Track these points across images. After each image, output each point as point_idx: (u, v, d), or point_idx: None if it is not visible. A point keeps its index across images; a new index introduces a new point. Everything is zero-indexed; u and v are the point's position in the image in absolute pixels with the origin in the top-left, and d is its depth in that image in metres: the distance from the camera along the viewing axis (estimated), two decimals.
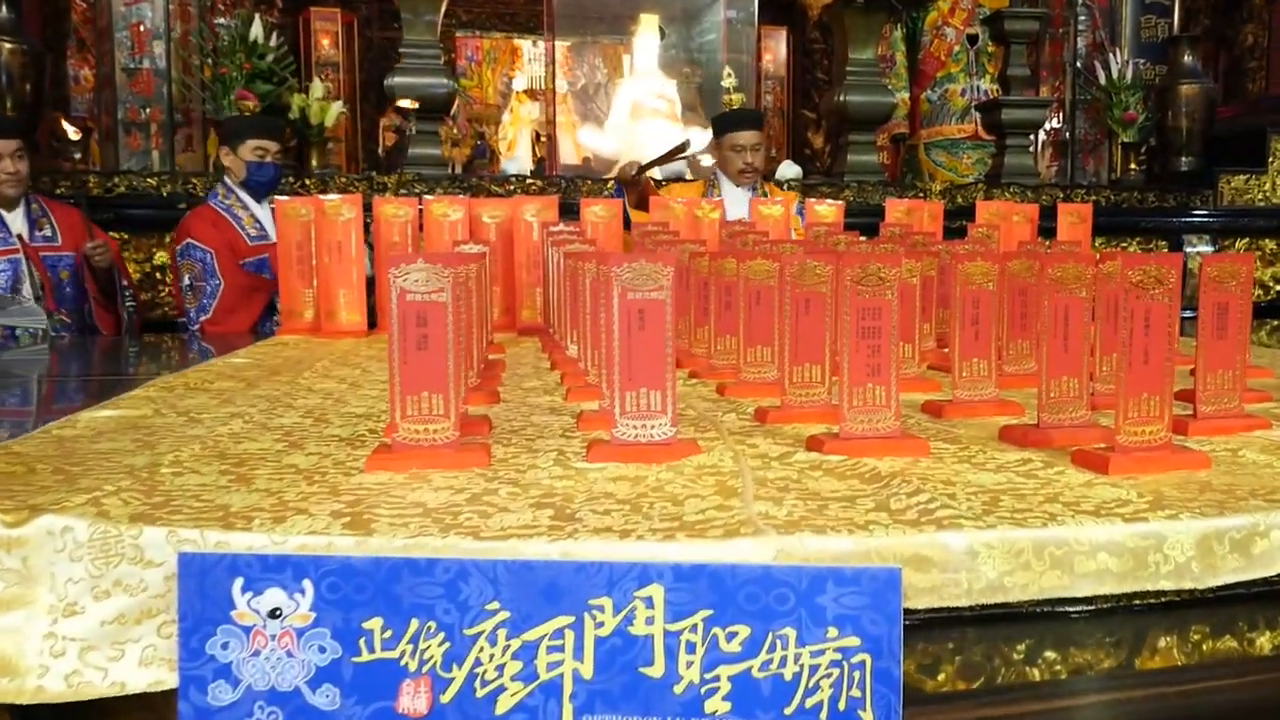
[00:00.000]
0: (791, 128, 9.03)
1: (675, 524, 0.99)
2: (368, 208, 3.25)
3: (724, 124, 4.20)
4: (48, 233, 3.67)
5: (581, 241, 2.62)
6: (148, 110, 4.92)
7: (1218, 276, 1.50)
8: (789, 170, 5.00)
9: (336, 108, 5.24)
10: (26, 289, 3.57)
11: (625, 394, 1.30)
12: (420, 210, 3.28)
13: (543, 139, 8.52)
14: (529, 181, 4.82)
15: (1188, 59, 5.83)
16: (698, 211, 3.45)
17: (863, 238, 3.99)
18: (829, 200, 3.74)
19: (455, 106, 8.69)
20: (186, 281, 3.67)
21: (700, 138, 6.45)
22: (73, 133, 4.57)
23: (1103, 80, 5.69)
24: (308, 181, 4.51)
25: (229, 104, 4.55)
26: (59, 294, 3.65)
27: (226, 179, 3.84)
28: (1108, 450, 1.25)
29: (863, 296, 1.34)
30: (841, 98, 5.16)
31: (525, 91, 8.60)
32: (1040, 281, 1.42)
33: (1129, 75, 5.62)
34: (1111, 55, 5.90)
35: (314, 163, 5.23)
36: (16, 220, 3.62)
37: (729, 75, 5.55)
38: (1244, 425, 1.51)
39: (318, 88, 5.27)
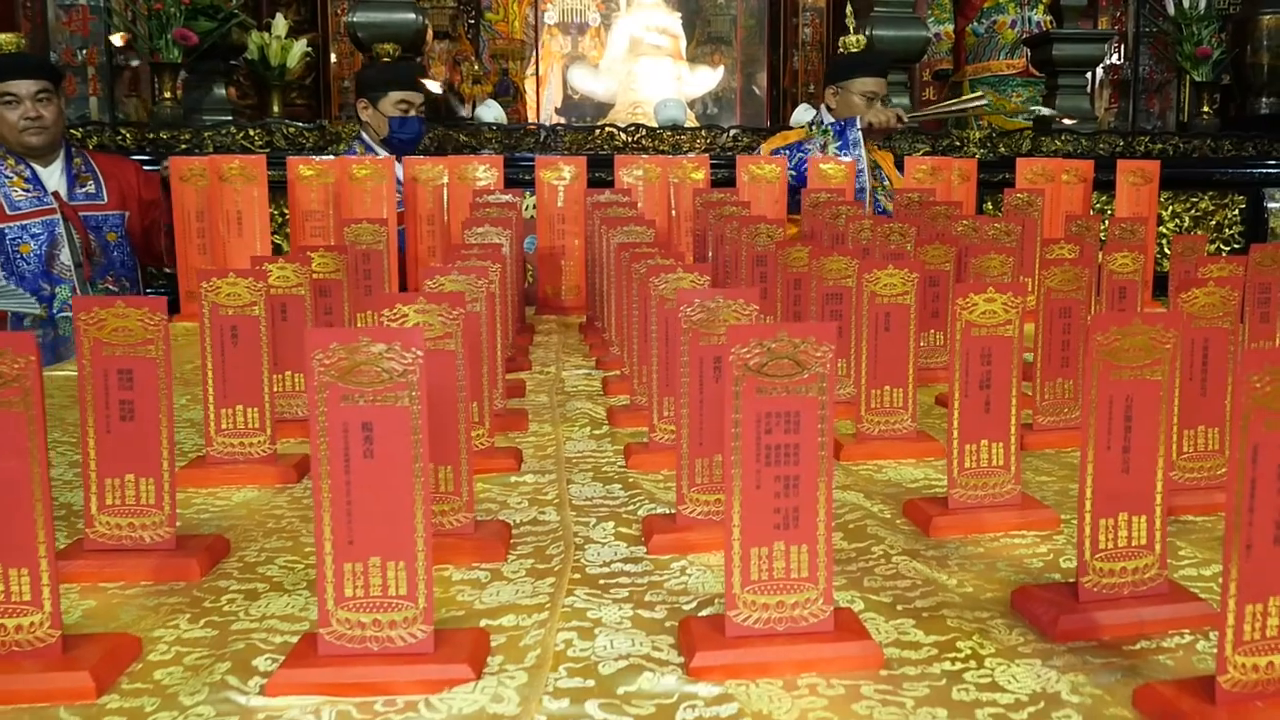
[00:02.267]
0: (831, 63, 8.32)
1: None
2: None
3: (848, 68, 3.59)
4: (90, 189, 3.13)
5: (496, 222, 2.04)
6: (84, 52, 4.38)
7: None
8: (805, 115, 4.35)
9: (300, 47, 4.66)
10: (66, 254, 3.05)
11: (343, 566, 0.75)
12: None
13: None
14: (504, 132, 4.22)
15: None
16: (673, 175, 2.85)
17: (882, 201, 3.37)
18: (841, 156, 3.12)
19: (482, 42, 8.12)
20: None
21: (709, 77, 5.82)
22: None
23: (1171, 10, 4.94)
24: (251, 132, 3.95)
25: (166, 43, 3.99)
26: (106, 258, 3.12)
27: (364, 135, 3.42)
28: (1206, 700, 0.68)
29: (768, 394, 0.76)
30: (868, 31, 4.48)
31: (557, 25, 8.08)
32: (1089, 353, 0.84)
33: (1202, 4, 4.87)
34: None
35: (275, 110, 4.67)
36: (53, 176, 3.09)
37: (850, 14, 4.81)
38: None
39: (280, 24, 4.69)
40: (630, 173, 2.76)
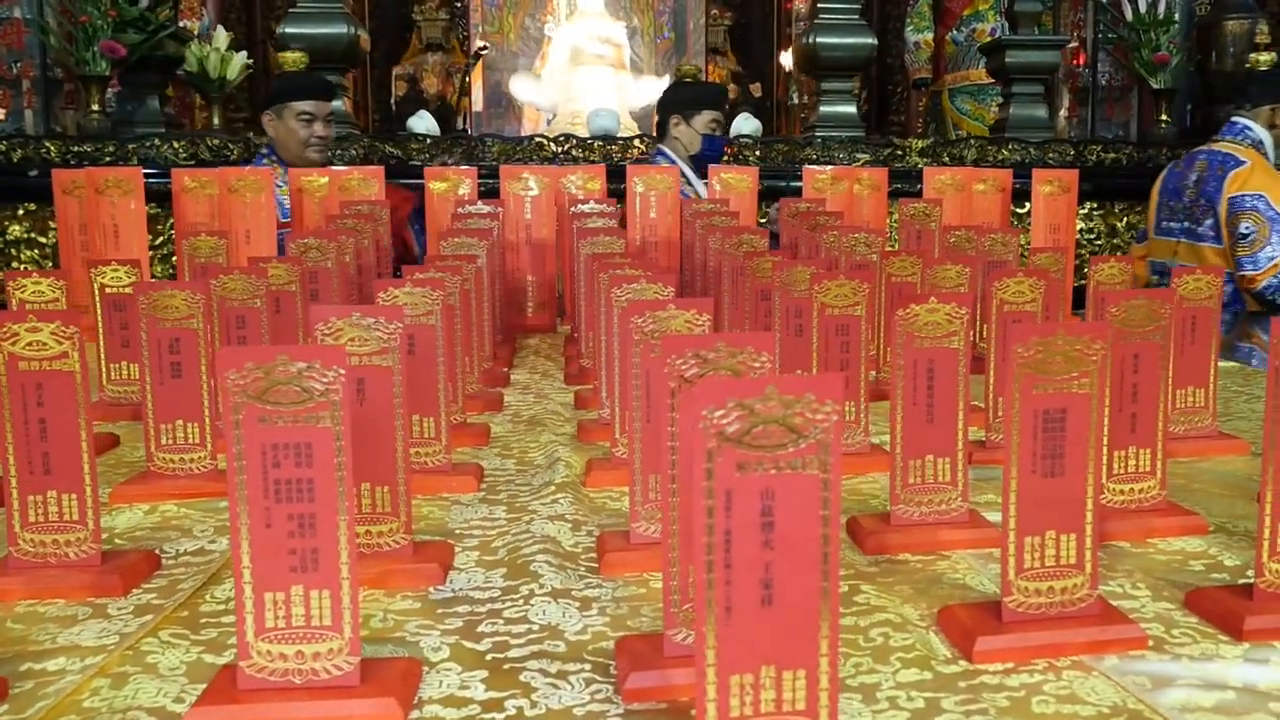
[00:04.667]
0: None
1: None
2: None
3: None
4: None
5: (325, 231, 1.98)
6: (19, 65, 4.36)
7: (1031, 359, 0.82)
8: (746, 125, 4.27)
9: (240, 60, 4.62)
10: None
11: None
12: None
13: None
14: (430, 143, 4.15)
15: None
16: (571, 185, 2.78)
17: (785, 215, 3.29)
18: (742, 167, 3.04)
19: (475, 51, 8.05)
20: None
21: (654, 87, 5.71)
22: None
23: (1129, 15, 4.83)
24: (176, 144, 3.91)
25: (93, 57, 3.96)
26: None
27: (667, 148, 3.46)
28: None
29: (272, 424, 0.69)
30: (811, 39, 4.40)
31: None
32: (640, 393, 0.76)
33: (1160, 9, 4.75)
34: None
35: (216, 122, 4.64)
36: None
37: (1263, 30, 4.56)
38: None
39: (222, 36, 4.66)
40: (515, 184, 2.69)
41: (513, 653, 0.81)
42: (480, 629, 0.85)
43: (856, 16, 4.46)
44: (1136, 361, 1.11)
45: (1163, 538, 1.09)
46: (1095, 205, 4.47)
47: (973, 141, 4.45)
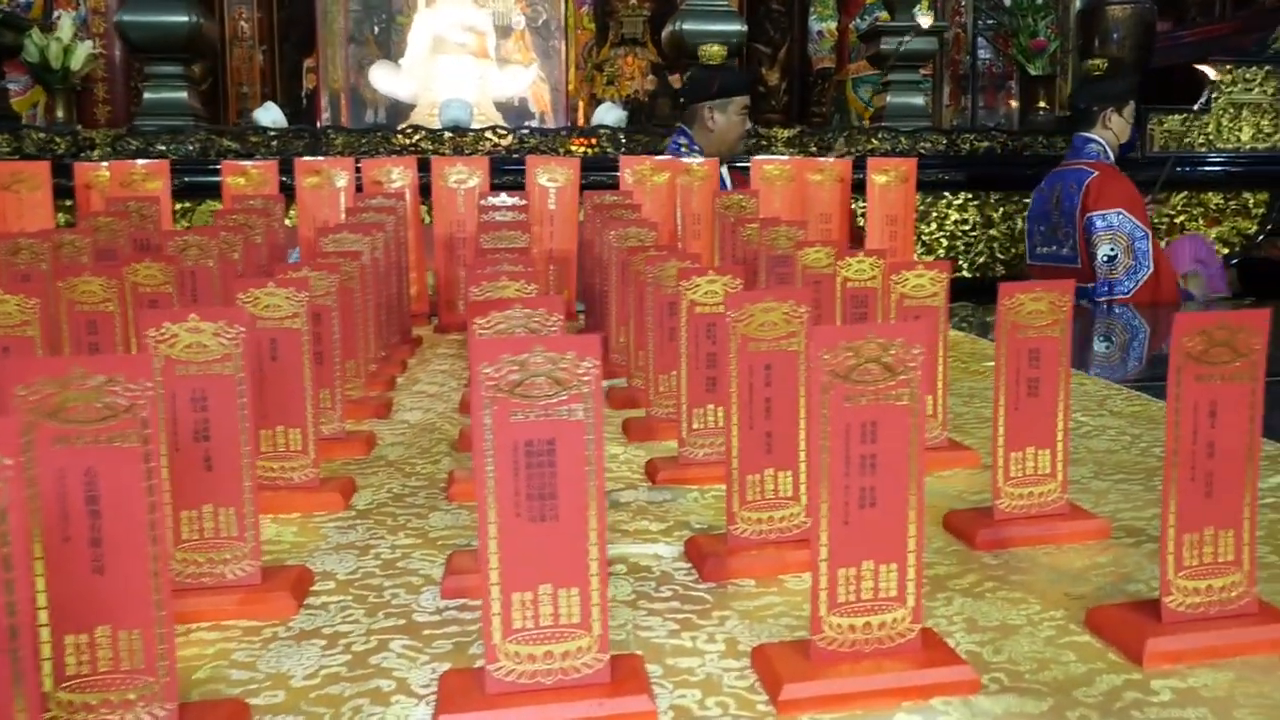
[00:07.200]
0: (744, 64, 8.18)
1: None
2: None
3: None
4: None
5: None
6: None
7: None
8: (608, 115, 4.14)
9: (85, 49, 4.41)
10: None
11: None
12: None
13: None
14: (272, 135, 3.97)
15: None
16: (381, 178, 2.63)
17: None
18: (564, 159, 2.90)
19: (392, 45, 7.85)
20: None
21: (520, 77, 5.57)
22: None
23: (1008, 1, 4.76)
24: None
25: None
26: None
27: (1099, 137, 3.52)
28: None
29: None
30: (678, 26, 4.27)
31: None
32: None
33: None
34: None
35: (60, 115, 4.43)
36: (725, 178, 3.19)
37: None
38: None
39: (66, 26, 4.44)
40: (309, 177, 2.53)
41: None
42: None
43: (725, 3, 4.34)
44: (769, 373, 0.99)
45: (796, 574, 0.97)
46: (970, 195, 4.40)
47: (842, 130, 4.35)
